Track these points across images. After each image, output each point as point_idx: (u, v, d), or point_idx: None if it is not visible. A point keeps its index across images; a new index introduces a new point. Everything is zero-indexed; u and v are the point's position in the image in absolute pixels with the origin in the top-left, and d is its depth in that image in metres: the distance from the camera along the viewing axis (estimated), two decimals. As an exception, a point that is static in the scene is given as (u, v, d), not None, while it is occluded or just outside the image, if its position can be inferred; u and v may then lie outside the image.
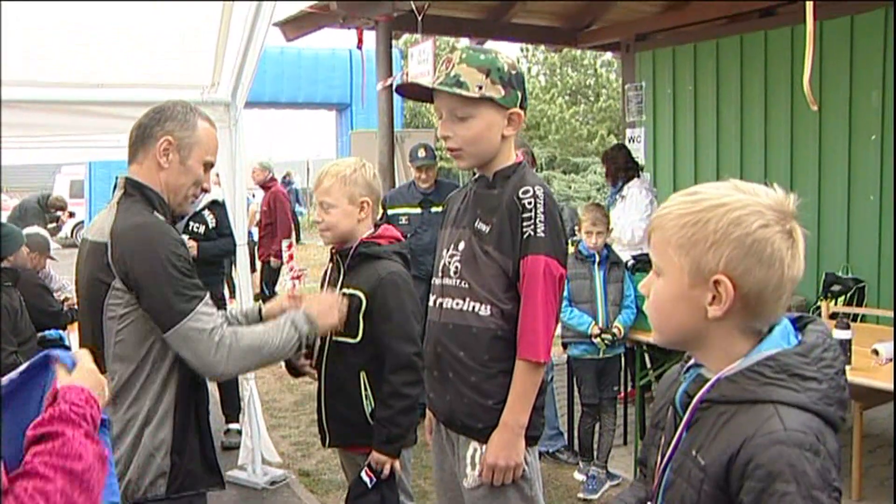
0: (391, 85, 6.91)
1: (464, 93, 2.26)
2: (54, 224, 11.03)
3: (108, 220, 2.31)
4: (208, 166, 2.46)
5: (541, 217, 2.26)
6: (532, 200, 2.27)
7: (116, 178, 2.44)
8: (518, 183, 2.32)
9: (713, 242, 1.32)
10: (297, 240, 19.90)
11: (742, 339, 1.37)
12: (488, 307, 2.32)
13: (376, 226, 2.95)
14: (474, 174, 2.47)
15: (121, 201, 2.34)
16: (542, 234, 2.26)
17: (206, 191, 2.51)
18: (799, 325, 1.42)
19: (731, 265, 1.31)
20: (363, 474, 2.75)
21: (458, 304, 2.37)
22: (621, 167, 6.44)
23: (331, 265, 2.99)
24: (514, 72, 2.33)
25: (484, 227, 2.34)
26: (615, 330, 4.68)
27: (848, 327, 4.04)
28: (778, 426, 1.25)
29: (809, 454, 1.23)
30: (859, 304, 6.18)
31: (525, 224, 2.27)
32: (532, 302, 2.28)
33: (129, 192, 2.36)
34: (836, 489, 1.25)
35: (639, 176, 6.52)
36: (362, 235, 2.87)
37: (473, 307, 2.34)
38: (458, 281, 2.38)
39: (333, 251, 2.96)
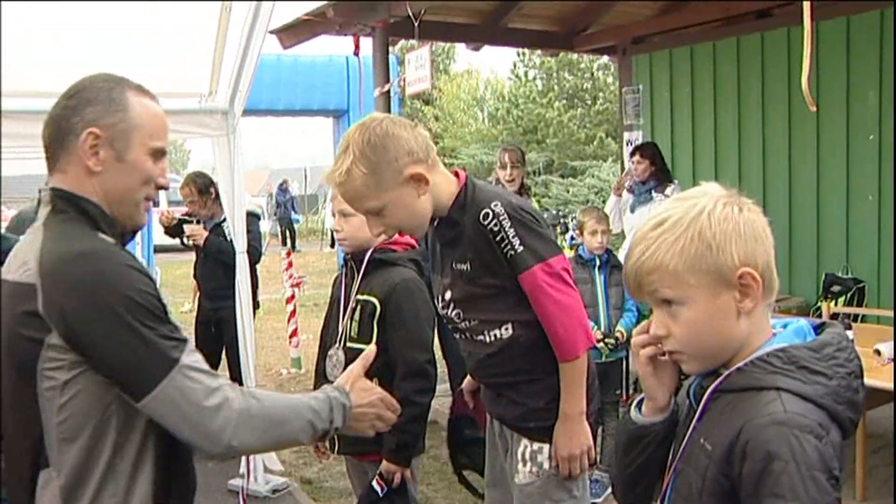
0: (388, 91, 6.91)
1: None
2: None
3: (30, 249, 1.65)
4: (158, 154, 1.78)
5: (511, 232, 2.22)
6: (496, 222, 2.23)
7: (39, 191, 1.75)
8: (475, 210, 2.26)
9: (717, 246, 1.35)
10: (293, 248, 19.92)
11: (764, 322, 1.41)
12: (508, 327, 2.33)
13: None
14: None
15: (48, 222, 1.69)
16: (522, 248, 2.23)
17: (162, 187, 1.82)
18: (820, 330, 1.44)
19: (741, 255, 1.35)
20: (374, 483, 2.73)
21: (480, 338, 2.38)
22: (663, 167, 6.28)
23: (344, 269, 2.97)
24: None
25: (464, 267, 2.32)
26: (617, 334, 4.67)
27: (850, 328, 4.03)
28: (778, 408, 1.27)
29: (810, 436, 1.24)
30: (859, 305, 6.18)
31: (503, 247, 2.23)
32: (544, 311, 2.27)
33: (58, 207, 1.70)
34: (835, 477, 1.25)
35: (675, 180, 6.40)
36: (378, 242, 2.85)
37: (495, 335, 2.35)
38: (467, 322, 2.38)
39: (348, 256, 2.94)
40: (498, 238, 2.23)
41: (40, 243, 1.64)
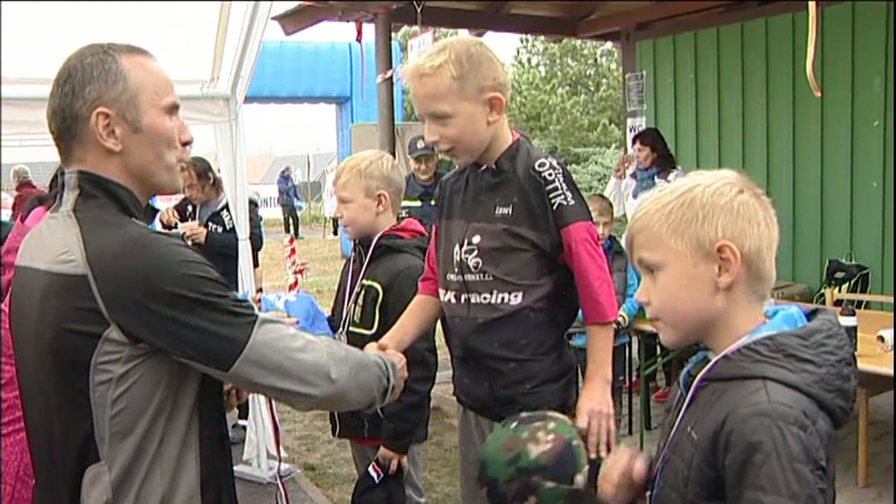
0: (391, 77, 6.89)
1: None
2: None
3: (66, 237, 1.57)
4: (172, 110, 1.69)
5: (564, 186, 2.25)
6: (551, 172, 2.26)
7: (61, 174, 1.68)
8: (529, 158, 2.30)
9: (704, 216, 1.36)
10: (296, 235, 19.93)
11: (748, 309, 1.39)
12: (519, 294, 2.29)
13: (398, 218, 2.94)
14: (476, 165, 2.41)
15: (78, 208, 1.61)
16: (573, 202, 2.25)
17: (187, 143, 1.75)
18: (812, 317, 1.43)
19: (728, 230, 1.36)
20: (370, 469, 2.74)
21: (485, 297, 2.32)
22: (664, 153, 6.30)
23: (354, 255, 2.99)
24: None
25: (506, 210, 2.30)
26: (619, 319, 4.66)
27: (853, 314, 4.03)
28: (762, 398, 1.27)
29: (794, 427, 1.24)
30: (863, 291, 6.16)
31: (552, 196, 2.24)
32: (583, 269, 2.27)
33: (87, 191, 1.62)
34: (821, 467, 1.24)
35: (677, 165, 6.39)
36: (384, 227, 2.86)
37: (503, 298, 2.30)
38: (481, 275, 2.33)
39: (356, 241, 2.95)
40: (550, 187, 2.25)
41: (78, 231, 1.56)
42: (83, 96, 1.60)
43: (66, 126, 1.62)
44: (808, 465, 1.22)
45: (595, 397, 2.28)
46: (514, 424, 1.86)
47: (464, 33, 8.14)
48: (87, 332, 1.50)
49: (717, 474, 1.30)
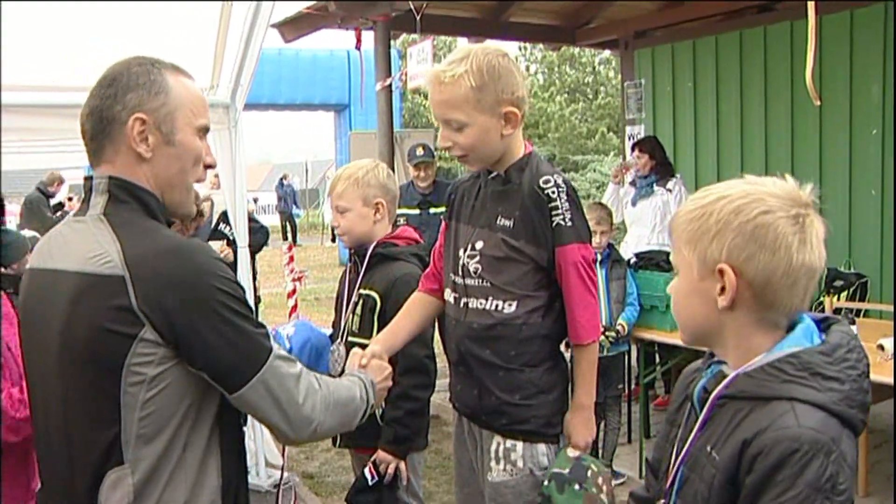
0: (390, 85, 6.90)
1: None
2: (59, 213, 10.80)
3: (100, 239, 1.58)
4: (203, 132, 1.74)
5: (566, 206, 2.26)
6: (555, 190, 2.26)
7: (89, 179, 1.69)
8: (535, 173, 2.30)
9: (715, 233, 1.34)
10: (294, 241, 19.92)
11: (759, 333, 1.36)
12: (514, 304, 2.30)
13: (394, 226, 2.94)
14: (488, 171, 2.41)
15: (109, 211, 1.63)
16: (570, 223, 2.26)
17: (209, 166, 1.79)
18: (823, 326, 1.41)
19: (734, 254, 1.32)
20: (366, 471, 2.73)
21: (481, 303, 2.34)
22: (663, 161, 6.29)
23: (350, 264, 2.98)
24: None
25: (507, 223, 2.31)
26: (619, 327, 4.66)
27: (853, 323, 4.02)
28: (791, 422, 1.24)
29: (820, 454, 1.22)
30: (862, 300, 6.16)
31: (553, 214, 2.25)
32: (569, 291, 2.29)
33: (117, 196, 1.64)
34: (840, 493, 1.22)
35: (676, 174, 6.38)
36: (380, 236, 2.85)
37: (497, 305, 2.31)
38: (479, 280, 2.34)
39: (352, 251, 2.94)
40: (552, 205, 2.26)
41: (113, 234, 1.57)
42: (124, 101, 1.63)
43: (102, 127, 1.64)
44: (822, 494, 1.21)
45: (586, 429, 2.38)
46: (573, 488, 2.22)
47: (463, 41, 8.16)
48: (123, 332, 1.51)
49: (737, 492, 1.28)
